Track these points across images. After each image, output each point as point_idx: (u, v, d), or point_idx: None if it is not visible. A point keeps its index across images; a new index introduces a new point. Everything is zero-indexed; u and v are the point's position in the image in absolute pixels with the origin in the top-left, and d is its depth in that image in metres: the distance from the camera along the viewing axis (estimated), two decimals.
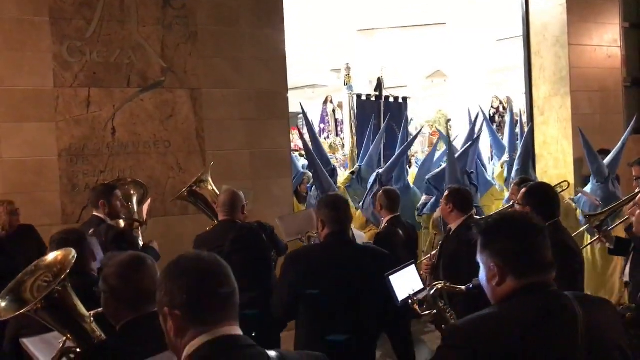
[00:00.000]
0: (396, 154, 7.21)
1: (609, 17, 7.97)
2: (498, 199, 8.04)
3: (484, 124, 8.78)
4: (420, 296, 2.55)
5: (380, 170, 7.07)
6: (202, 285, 1.44)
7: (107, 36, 5.41)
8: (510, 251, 1.73)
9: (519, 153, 7.58)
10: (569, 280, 1.82)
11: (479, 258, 1.81)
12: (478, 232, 1.81)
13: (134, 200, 4.81)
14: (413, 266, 2.70)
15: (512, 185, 5.41)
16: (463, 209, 4.03)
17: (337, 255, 2.96)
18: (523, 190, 3.47)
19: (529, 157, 7.58)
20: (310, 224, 4.18)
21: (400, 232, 4.66)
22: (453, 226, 4.09)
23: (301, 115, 8.12)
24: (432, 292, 2.53)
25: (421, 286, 2.62)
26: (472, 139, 7.58)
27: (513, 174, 7.47)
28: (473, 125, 8.34)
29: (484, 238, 1.78)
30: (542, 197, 3.28)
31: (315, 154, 6.99)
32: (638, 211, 3.42)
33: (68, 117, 5.28)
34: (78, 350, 2.14)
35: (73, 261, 2.19)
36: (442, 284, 2.54)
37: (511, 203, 4.63)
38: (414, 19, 12.14)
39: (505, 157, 8.26)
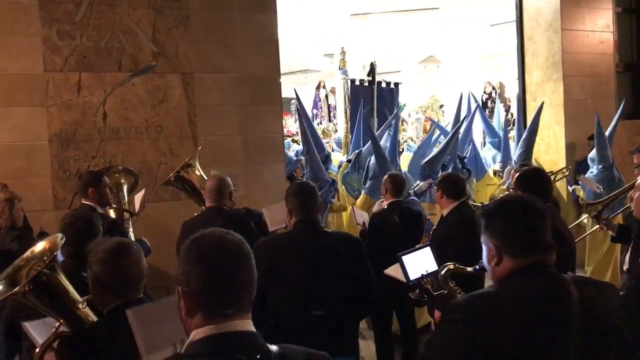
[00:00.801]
0: (383, 137, 7.22)
1: (601, 2, 7.95)
2: (490, 184, 8.06)
3: (477, 109, 8.77)
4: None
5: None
6: (218, 276, 1.42)
7: (97, 20, 5.35)
8: (507, 232, 1.78)
9: (523, 136, 7.42)
10: (557, 265, 1.83)
11: (481, 239, 1.86)
12: (481, 215, 1.86)
13: (124, 189, 4.72)
14: (428, 248, 2.75)
15: (513, 171, 5.41)
16: (454, 196, 3.99)
17: (305, 243, 2.92)
18: (516, 174, 3.48)
19: (533, 141, 7.38)
20: None
21: (396, 217, 4.63)
22: (444, 212, 4.07)
23: (294, 101, 8.04)
24: (443, 272, 2.59)
25: (436, 267, 2.66)
26: (458, 124, 7.57)
27: (515, 157, 7.39)
28: (458, 110, 8.32)
29: (486, 220, 1.84)
30: (535, 181, 3.28)
31: (310, 138, 6.96)
32: (637, 194, 3.39)
33: (59, 102, 5.24)
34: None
35: (61, 244, 2.19)
36: (453, 265, 2.59)
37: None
38: (407, 4, 12.10)
39: (499, 166, 8.09)
